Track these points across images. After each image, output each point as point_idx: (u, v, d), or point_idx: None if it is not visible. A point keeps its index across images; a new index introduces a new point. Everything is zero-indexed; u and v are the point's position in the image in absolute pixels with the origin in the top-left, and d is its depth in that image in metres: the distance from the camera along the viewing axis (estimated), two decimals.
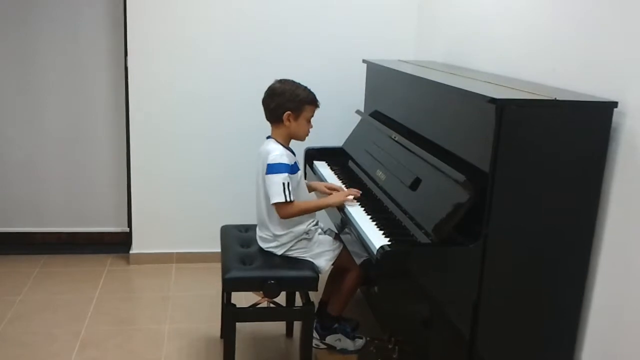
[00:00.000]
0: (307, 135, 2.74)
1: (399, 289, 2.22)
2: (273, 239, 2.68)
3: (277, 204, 2.56)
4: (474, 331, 2.14)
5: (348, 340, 2.87)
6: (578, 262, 2.15)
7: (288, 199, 2.54)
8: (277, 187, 2.54)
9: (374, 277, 2.45)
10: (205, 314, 3.27)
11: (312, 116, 2.71)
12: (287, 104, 2.63)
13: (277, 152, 2.59)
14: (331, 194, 2.78)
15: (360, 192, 2.70)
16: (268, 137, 2.72)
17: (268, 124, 2.73)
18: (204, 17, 3.63)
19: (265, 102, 2.69)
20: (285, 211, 2.57)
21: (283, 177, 2.55)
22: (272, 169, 2.57)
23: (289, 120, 2.65)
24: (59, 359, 2.83)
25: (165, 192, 3.82)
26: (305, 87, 2.70)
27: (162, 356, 2.90)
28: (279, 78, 2.75)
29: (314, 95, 2.70)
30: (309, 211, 2.67)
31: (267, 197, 2.62)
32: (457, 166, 2.19)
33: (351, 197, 2.65)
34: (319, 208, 2.70)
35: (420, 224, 2.24)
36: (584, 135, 2.05)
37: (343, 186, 2.88)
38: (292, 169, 2.61)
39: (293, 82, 2.71)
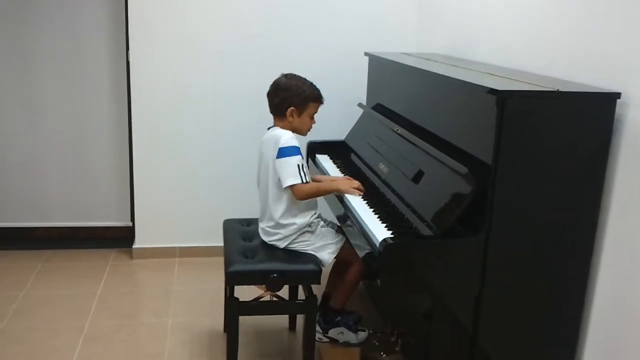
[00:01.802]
0: (309, 130, 2.76)
1: (401, 281, 2.21)
2: (276, 231, 2.67)
3: (293, 186, 2.55)
4: (476, 324, 2.14)
5: (351, 333, 2.87)
6: (580, 255, 2.15)
7: (304, 180, 2.54)
8: (292, 169, 2.54)
9: (376, 270, 2.44)
10: (208, 308, 3.27)
11: (316, 112, 2.72)
12: (291, 100, 2.64)
13: (288, 136, 2.60)
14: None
15: (364, 191, 2.67)
16: (270, 128, 2.72)
17: (270, 117, 2.73)
18: (205, 12, 3.62)
19: (270, 95, 2.70)
20: (302, 192, 2.56)
21: (297, 159, 2.56)
22: (285, 151, 2.56)
23: (292, 116, 2.65)
24: (62, 354, 2.84)
25: (167, 187, 3.82)
26: (311, 84, 2.69)
27: (166, 350, 2.90)
28: (280, 72, 2.75)
29: (319, 92, 2.70)
30: (322, 193, 2.69)
31: (275, 184, 2.62)
32: (460, 158, 2.19)
33: (357, 191, 2.64)
34: (329, 191, 2.71)
35: (423, 216, 2.24)
36: (587, 127, 2.04)
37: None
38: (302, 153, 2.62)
39: (299, 77, 2.70)
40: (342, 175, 2.96)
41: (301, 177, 2.54)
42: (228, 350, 2.61)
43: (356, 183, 2.68)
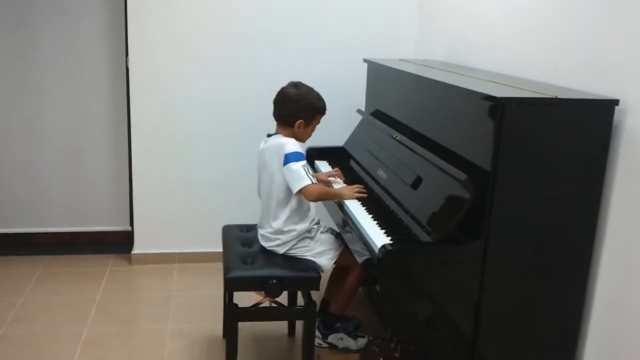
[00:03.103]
0: (309, 138, 2.78)
1: (400, 288, 2.21)
2: (275, 236, 2.68)
3: (304, 189, 2.55)
4: (476, 330, 2.14)
5: (350, 340, 2.87)
6: (580, 260, 2.15)
7: (313, 181, 2.56)
8: (301, 173, 2.55)
9: (375, 276, 2.45)
10: (207, 314, 3.27)
11: (319, 123, 2.74)
12: (301, 112, 2.65)
13: (292, 143, 2.62)
14: (328, 181, 2.87)
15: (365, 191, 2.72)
16: (270, 135, 2.73)
17: (269, 123, 2.74)
18: (205, 17, 3.63)
19: (278, 104, 2.70)
20: (313, 193, 2.57)
21: (303, 163, 2.58)
22: (291, 157, 2.57)
23: (299, 127, 2.66)
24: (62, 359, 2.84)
25: (166, 192, 3.82)
26: (319, 96, 2.71)
27: (165, 356, 2.90)
28: (280, 78, 2.76)
29: (325, 103, 2.73)
30: (329, 197, 2.72)
31: (281, 191, 2.62)
32: (459, 165, 2.19)
33: (360, 194, 2.67)
34: (335, 196, 2.73)
35: (422, 222, 2.24)
36: (585, 133, 2.04)
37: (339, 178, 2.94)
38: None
39: (307, 87, 2.71)
40: (341, 182, 2.95)
41: (310, 178, 2.56)
42: (227, 356, 2.61)
43: (356, 188, 2.70)
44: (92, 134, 3.96)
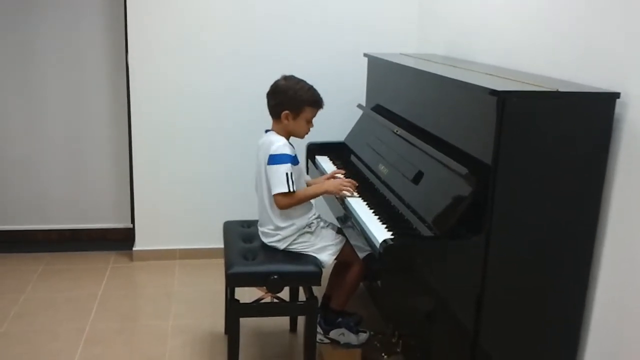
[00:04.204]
0: (307, 134, 2.75)
1: (402, 282, 2.20)
2: (275, 232, 2.67)
3: (278, 195, 2.55)
4: (477, 325, 2.14)
5: (352, 335, 2.86)
6: (581, 254, 2.15)
7: (291, 189, 2.54)
8: (280, 177, 2.54)
9: (377, 271, 2.44)
10: (209, 310, 3.27)
11: (314, 117, 2.71)
12: (287, 103, 2.64)
13: (280, 143, 2.60)
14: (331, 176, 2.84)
15: (356, 184, 2.70)
16: (267, 131, 2.72)
17: (269, 118, 2.73)
18: (205, 13, 3.62)
19: (268, 97, 2.70)
20: (286, 201, 2.57)
21: (286, 167, 2.56)
22: (275, 159, 2.57)
23: (287, 119, 2.65)
24: (63, 356, 2.84)
25: (167, 189, 3.82)
26: (310, 88, 2.68)
27: (166, 352, 2.90)
28: (280, 73, 2.74)
29: (318, 97, 2.69)
30: (308, 198, 2.69)
31: (269, 189, 2.62)
32: (460, 159, 2.19)
33: (347, 187, 2.65)
34: (317, 195, 2.71)
35: (423, 217, 2.23)
36: (587, 127, 2.04)
37: (341, 175, 2.91)
38: (294, 160, 2.61)
39: (298, 80, 2.69)
40: (340, 176, 2.95)
41: (288, 185, 2.54)
42: (229, 352, 2.61)
43: (346, 182, 2.69)
44: (93, 131, 3.96)
